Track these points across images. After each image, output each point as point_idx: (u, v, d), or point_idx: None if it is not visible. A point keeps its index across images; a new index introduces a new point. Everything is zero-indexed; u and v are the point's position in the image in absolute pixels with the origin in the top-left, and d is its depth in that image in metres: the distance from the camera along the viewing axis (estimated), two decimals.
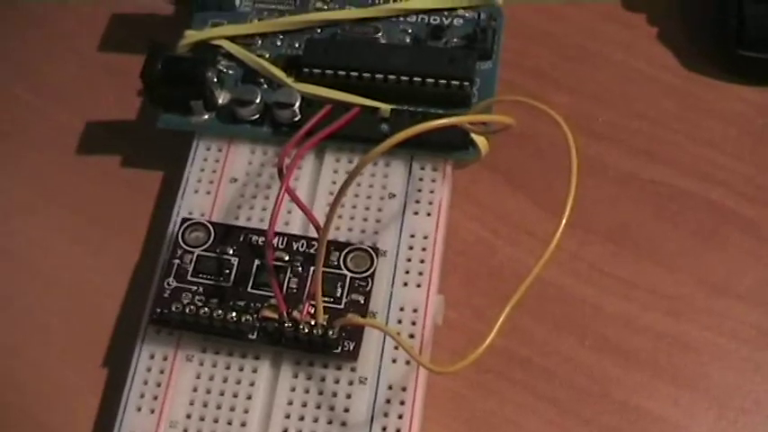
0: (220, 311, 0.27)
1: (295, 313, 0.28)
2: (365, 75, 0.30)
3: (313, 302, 0.27)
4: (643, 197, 0.31)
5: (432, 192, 0.30)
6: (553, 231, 0.26)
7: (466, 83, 0.30)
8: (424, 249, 0.29)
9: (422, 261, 0.29)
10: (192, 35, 0.32)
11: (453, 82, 0.30)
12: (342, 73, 0.31)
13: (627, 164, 0.32)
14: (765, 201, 0.31)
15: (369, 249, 0.29)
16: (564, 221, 0.26)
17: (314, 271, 0.27)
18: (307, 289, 0.28)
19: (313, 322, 0.27)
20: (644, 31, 0.35)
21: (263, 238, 0.29)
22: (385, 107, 0.30)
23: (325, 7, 0.33)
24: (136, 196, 0.33)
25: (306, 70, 0.31)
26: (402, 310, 0.28)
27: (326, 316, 0.27)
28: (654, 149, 0.32)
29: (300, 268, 0.28)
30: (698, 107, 0.33)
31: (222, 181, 0.31)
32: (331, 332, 0.27)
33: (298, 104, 0.30)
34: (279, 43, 0.32)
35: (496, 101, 0.30)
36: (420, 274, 0.29)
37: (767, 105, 0.33)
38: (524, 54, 0.34)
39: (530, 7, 0.35)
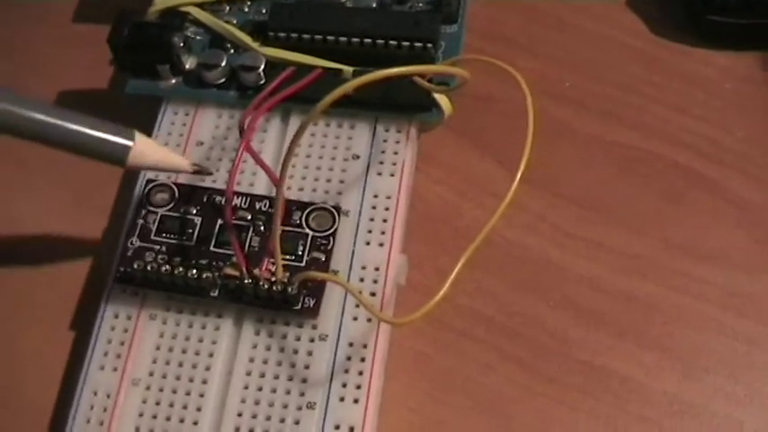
0: (182, 269, 0.27)
1: (255, 270, 0.28)
2: (329, 38, 0.31)
3: (272, 259, 0.27)
4: (610, 160, 0.32)
5: (395, 153, 0.30)
6: (515, 190, 0.26)
7: (429, 45, 0.30)
8: (386, 209, 0.29)
9: (384, 221, 0.29)
10: (160, 2, 0.32)
11: (417, 44, 0.30)
12: (306, 36, 0.31)
13: (594, 127, 0.32)
14: (732, 163, 0.31)
15: (330, 208, 0.29)
16: (518, 176, 0.26)
17: (273, 227, 0.27)
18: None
19: (273, 279, 0.27)
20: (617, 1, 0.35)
21: None
22: (347, 68, 0.30)
23: None
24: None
25: (271, 34, 0.31)
26: (364, 268, 0.28)
27: (287, 273, 0.27)
28: (622, 113, 0.32)
29: (263, 227, 0.29)
30: (666, 72, 0.33)
31: (189, 144, 0.31)
32: (290, 288, 0.27)
33: (262, 68, 0.31)
34: (246, 9, 0.33)
35: (459, 59, 0.30)
36: (383, 233, 0.29)
37: (734, 69, 0.33)
38: (494, 21, 0.34)
39: None
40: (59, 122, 0.26)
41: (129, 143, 0.27)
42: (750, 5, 0.32)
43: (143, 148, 0.27)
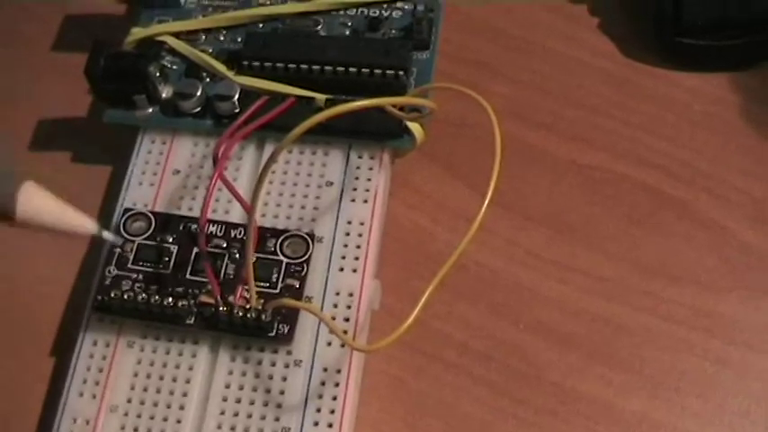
0: (158, 297, 0.28)
1: (230, 298, 0.28)
2: (302, 66, 0.31)
3: (246, 287, 0.28)
4: (580, 182, 0.32)
5: (369, 179, 0.31)
6: (485, 215, 0.27)
7: (401, 72, 0.31)
8: (360, 235, 0.30)
9: (358, 246, 0.29)
10: (137, 32, 0.33)
11: (389, 71, 0.31)
12: (280, 65, 0.31)
13: (564, 150, 0.33)
14: (701, 185, 0.32)
15: (304, 235, 0.29)
16: (487, 200, 0.27)
17: (246, 254, 0.28)
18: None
19: (248, 306, 0.28)
20: (585, 21, 0.35)
21: None
22: (320, 97, 0.31)
23: (268, 2, 0.34)
24: (86, 190, 0.33)
25: (245, 63, 0.31)
26: (338, 294, 0.29)
27: (261, 300, 0.28)
28: (591, 136, 0.33)
29: (238, 255, 0.29)
30: (637, 94, 0.34)
31: (165, 173, 0.31)
32: (264, 315, 0.27)
33: (237, 97, 0.31)
34: (222, 38, 0.33)
35: (429, 88, 0.30)
36: (356, 259, 0.29)
37: (704, 91, 0.33)
38: (465, 46, 0.35)
39: (471, 0, 0.36)
40: None
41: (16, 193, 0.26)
42: (719, 27, 0.33)
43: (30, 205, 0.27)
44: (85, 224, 0.29)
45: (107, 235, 0.29)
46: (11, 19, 0.38)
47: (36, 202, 0.27)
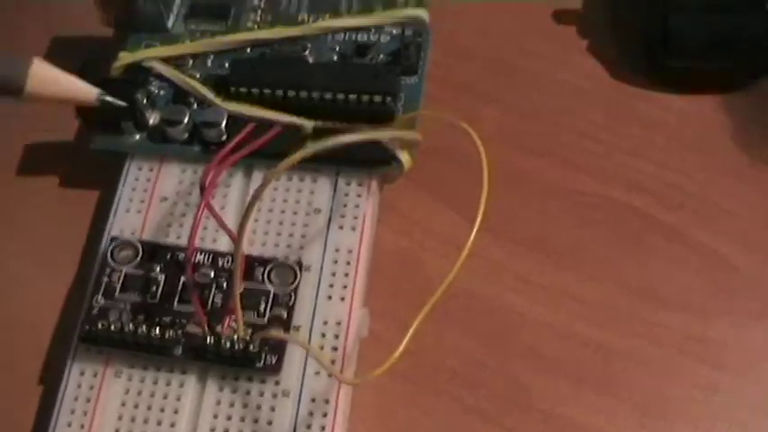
0: (145, 327, 0.28)
1: (218, 328, 0.28)
2: (290, 92, 0.31)
3: (234, 317, 0.28)
4: (568, 207, 0.32)
5: (357, 206, 0.30)
6: (474, 241, 0.27)
7: (389, 98, 0.31)
8: (348, 263, 0.30)
9: (346, 275, 0.29)
10: (125, 57, 0.33)
11: (376, 97, 0.31)
12: (267, 91, 0.31)
13: (554, 174, 0.33)
14: (691, 208, 0.32)
15: (292, 264, 0.29)
16: (475, 229, 0.27)
17: (233, 285, 0.28)
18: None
19: (235, 336, 0.28)
20: (574, 44, 0.35)
21: None
22: (307, 124, 0.30)
23: (255, 26, 0.34)
24: (73, 215, 0.33)
25: (232, 89, 0.31)
26: (326, 323, 0.29)
27: (249, 330, 0.28)
28: (580, 160, 0.33)
29: (225, 284, 0.29)
30: (626, 116, 0.33)
31: (153, 200, 0.31)
32: (251, 346, 0.27)
33: (224, 124, 0.31)
34: (209, 63, 0.33)
35: (417, 115, 0.30)
36: (344, 287, 0.29)
37: (693, 113, 0.33)
38: (453, 70, 0.35)
39: (460, 24, 0.36)
40: None
41: (24, 71, 0.27)
42: (709, 50, 0.33)
43: (39, 79, 0.27)
44: (91, 91, 0.29)
45: (111, 99, 0.29)
46: None
47: (47, 74, 0.28)
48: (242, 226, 0.26)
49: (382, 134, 0.29)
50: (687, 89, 0.34)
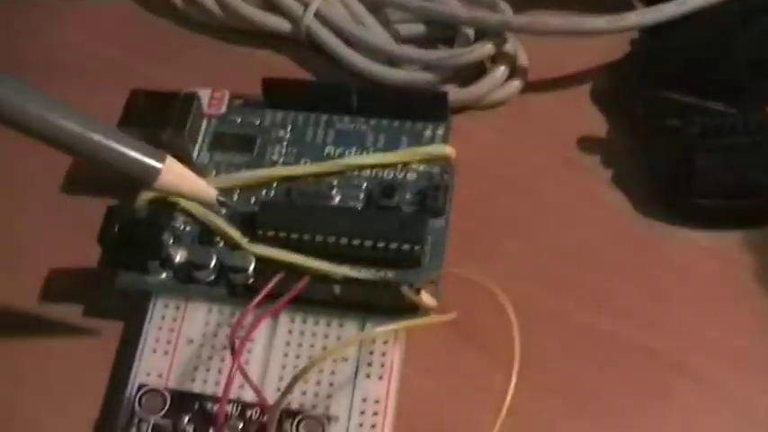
0: None
1: None
2: (317, 238, 0.31)
3: None
4: (595, 351, 0.32)
5: (383, 354, 0.30)
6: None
7: (417, 246, 0.31)
8: (375, 414, 0.30)
9: (373, 426, 0.29)
10: (149, 192, 0.33)
11: (404, 246, 0.31)
12: (294, 236, 0.31)
13: (579, 316, 0.32)
14: (716, 353, 0.32)
15: (320, 417, 0.29)
16: (512, 385, 0.27)
17: None
18: None
19: None
20: (598, 175, 0.35)
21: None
22: (336, 271, 0.30)
23: (281, 160, 0.34)
24: (96, 348, 0.33)
25: (260, 232, 0.31)
26: None
27: None
28: (604, 300, 0.33)
29: None
30: (651, 255, 0.33)
31: (179, 341, 0.31)
32: None
33: (252, 268, 0.31)
34: (235, 198, 0.33)
35: (442, 275, 0.31)
36: None
37: (718, 251, 0.33)
38: (476, 200, 0.34)
39: (481, 152, 0.36)
40: (92, 135, 0.27)
41: (159, 165, 0.28)
42: (737, 190, 0.33)
43: (170, 175, 0.29)
44: (211, 193, 0.30)
45: (225, 200, 0.31)
46: (18, 164, 0.37)
47: (172, 176, 0.29)
48: (279, 401, 0.26)
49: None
50: (712, 225, 0.34)
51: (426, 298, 0.30)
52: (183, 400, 0.30)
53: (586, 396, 0.31)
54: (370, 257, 0.31)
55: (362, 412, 0.30)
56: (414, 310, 0.30)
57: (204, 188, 0.30)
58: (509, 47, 0.37)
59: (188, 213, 0.33)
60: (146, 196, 0.33)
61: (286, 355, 0.31)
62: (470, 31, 0.37)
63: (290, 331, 0.31)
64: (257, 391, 0.28)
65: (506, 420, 0.31)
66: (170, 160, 0.29)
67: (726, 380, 0.31)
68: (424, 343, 0.32)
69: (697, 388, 0.31)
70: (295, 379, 0.26)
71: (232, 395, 0.30)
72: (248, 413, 0.30)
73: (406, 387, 0.31)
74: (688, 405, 0.31)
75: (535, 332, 0.32)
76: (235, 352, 0.28)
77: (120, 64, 0.40)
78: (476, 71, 0.37)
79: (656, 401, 0.31)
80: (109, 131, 0.28)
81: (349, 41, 0.38)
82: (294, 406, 0.30)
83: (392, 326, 0.29)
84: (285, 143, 0.34)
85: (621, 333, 0.32)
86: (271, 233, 0.31)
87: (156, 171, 0.28)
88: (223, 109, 0.35)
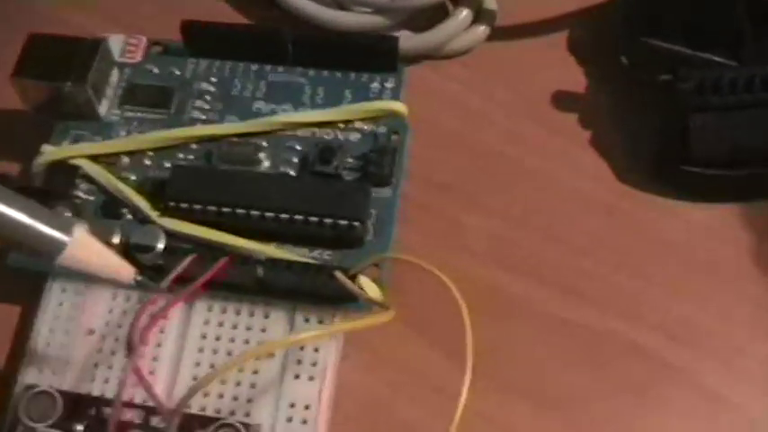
0: None
1: None
2: (239, 211, 0.26)
3: None
4: (568, 343, 0.27)
5: (316, 350, 0.26)
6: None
7: (356, 223, 0.26)
8: (304, 422, 0.25)
9: None
10: (48, 152, 0.28)
11: (342, 222, 0.26)
12: (212, 208, 0.27)
13: (550, 304, 0.28)
14: (704, 347, 0.27)
15: (238, 425, 0.25)
16: (467, 383, 0.23)
17: None
18: None
19: None
20: (576, 138, 0.31)
21: None
22: (259, 250, 0.26)
23: (203, 117, 0.29)
24: None
25: (171, 204, 0.27)
26: None
27: None
28: (579, 285, 0.28)
29: None
30: (634, 231, 0.29)
31: (78, 332, 0.27)
32: None
33: (161, 246, 0.26)
34: (148, 162, 0.28)
35: (387, 258, 0.26)
36: None
37: (712, 228, 0.29)
38: (435, 165, 0.30)
39: (440, 109, 0.31)
40: None
41: (66, 239, 0.23)
42: (737, 156, 0.28)
43: (78, 250, 0.24)
44: (125, 275, 0.25)
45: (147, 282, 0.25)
46: None
47: (81, 251, 0.24)
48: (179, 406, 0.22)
49: (344, 327, 0.25)
50: (704, 198, 0.29)
51: (367, 285, 0.26)
52: (78, 405, 0.25)
53: (557, 396, 0.27)
54: (301, 235, 0.27)
55: (290, 419, 0.26)
56: (353, 298, 0.26)
57: (119, 266, 0.25)
58: None
59: (91, 180, 0.28)
60: (43, 159, 0.28)
61: (201, 350, 0.26)
62: None
63: (206, 322, 0.27)
64: (152, 394, 0.24)
65: (462, 425, 0.26)
66: (80, 232, 0.24)
67: (713, 380, 0.27)
68: (366, 335, 0.27)
69: (682, 388, 0.27)
70: (196, 387, 0.21)
71: (136, 399, 0.26)
72: (153, 421, 0.25)
73: (343, 388, 0.27)
74: (672, 406, 0.27)
75: (497, 325, 0.28)
76: (132, 347, 0.24)
77: (18, 3, 0.35)
78: (436, 15, 0.32)
79: (638, 402, 0.27)
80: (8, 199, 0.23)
81: None
82: (209, 412, 0.25)
83: (314, 332, 0.25)
84: (208, 97, 0.29)
85: (598, 322, 0.28)
86: (184, 205, 0.27)
87: (62, 245, 0.23)
88: (138, 57, 0.30)
